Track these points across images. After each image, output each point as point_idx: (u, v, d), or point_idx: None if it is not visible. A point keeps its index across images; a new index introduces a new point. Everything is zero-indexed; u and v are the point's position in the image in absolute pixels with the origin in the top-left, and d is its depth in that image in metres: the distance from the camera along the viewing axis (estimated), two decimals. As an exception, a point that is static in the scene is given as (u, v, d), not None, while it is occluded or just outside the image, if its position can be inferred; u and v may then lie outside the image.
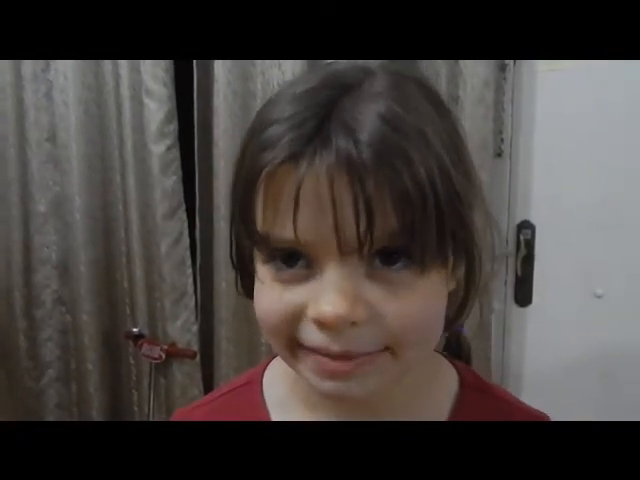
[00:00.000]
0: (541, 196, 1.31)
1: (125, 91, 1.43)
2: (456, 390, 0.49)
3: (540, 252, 1.33)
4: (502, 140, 1.30)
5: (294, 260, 0.39)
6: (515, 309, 1.38)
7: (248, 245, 0.42)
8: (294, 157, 0.36)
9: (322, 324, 0.37)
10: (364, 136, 0.35)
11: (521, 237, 1.33)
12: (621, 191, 1.26)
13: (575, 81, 1.25)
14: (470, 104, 1.24)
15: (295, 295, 0.38)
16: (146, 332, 1.51)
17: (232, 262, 0.46)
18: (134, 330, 1.50)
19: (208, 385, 1.51)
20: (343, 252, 0.37)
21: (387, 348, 0.39)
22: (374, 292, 0.38)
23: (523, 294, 1.37)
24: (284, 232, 0.37)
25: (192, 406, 0.54)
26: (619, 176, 1.25)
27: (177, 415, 0.54)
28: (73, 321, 1.56)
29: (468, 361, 0.55)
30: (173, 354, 1.47)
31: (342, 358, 0.38)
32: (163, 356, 1.46)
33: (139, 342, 1.48)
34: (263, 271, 0.40)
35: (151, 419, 1.49)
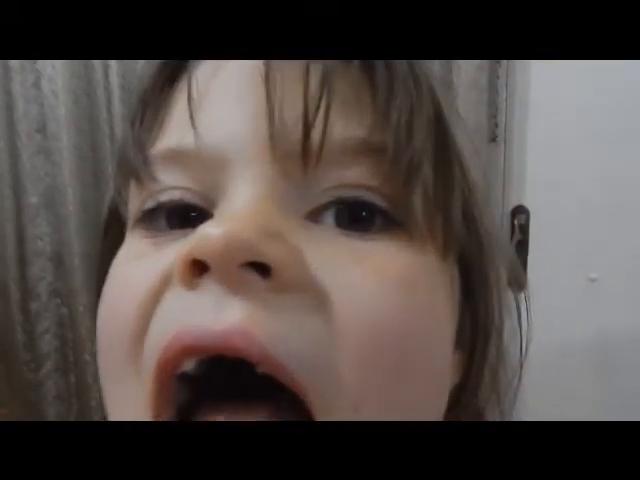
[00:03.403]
0: (535, 181, 1.31)
1: (115, 79, 1.41)
2: None
3: (534, 237, 1.33)
4: (496, 125, 1.29)
5: (184, 218, 0.24)
6: (509, 294, 1.39)
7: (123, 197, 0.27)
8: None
9: (197, 265, 0.20)
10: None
11: (515, 222, 1.33)
12: (616, 176, 1.26)
13: (570, 64, 1.24)
14: (464, 88, 1.23)
15: (170, 253, 0.22)
16: (143, 322, 1.51)
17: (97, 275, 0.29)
18: (131, 321, 1.51)
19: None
20: (276, 151, 0.22)
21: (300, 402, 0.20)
22: (320, 245, 0.21)
23: (518, 278, 1.37)
24: (174, 139, 0.24)
25: None
26: (614, 160, 1.25)
27: None
28: (70, 313, 1.56)
29: None
30: (170, 344, 1.47)
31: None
32: (160, 346, 1.46)
33: (136, 333, 1.48)
34: (129, 240, 0.25)
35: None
